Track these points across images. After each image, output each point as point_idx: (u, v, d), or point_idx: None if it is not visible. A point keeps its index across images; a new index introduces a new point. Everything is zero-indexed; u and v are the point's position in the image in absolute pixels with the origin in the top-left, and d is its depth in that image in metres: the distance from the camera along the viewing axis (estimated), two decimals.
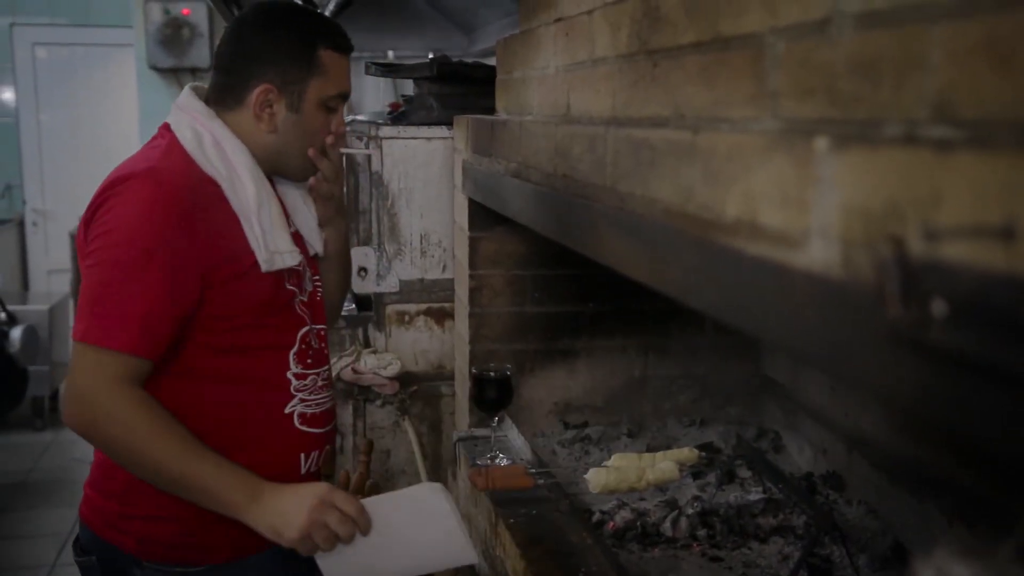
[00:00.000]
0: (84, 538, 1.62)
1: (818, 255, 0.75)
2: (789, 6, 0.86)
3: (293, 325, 1.64)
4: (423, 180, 2.74)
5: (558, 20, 1.63)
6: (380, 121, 2.89)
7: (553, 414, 2.36)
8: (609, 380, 2.38)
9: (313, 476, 1.67)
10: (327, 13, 3.09)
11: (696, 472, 1.99)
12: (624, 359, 2.38)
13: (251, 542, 1.49)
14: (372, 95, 5.48)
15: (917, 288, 0.62)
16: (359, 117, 3.51)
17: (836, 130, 0.76)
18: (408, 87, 3.29)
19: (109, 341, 1.42)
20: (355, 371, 2.70)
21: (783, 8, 0.87)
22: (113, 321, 1.43)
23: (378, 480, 2.67)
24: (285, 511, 1.44)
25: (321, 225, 1.76)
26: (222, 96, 1.62)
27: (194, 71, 5.96)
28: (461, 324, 2.46)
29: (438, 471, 2.78)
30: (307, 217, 1.74)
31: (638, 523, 1.77)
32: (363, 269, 2.77)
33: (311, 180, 1.72)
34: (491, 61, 2.39)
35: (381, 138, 2.74)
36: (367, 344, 2.85)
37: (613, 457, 1.85)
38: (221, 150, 1.56)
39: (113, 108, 6.83)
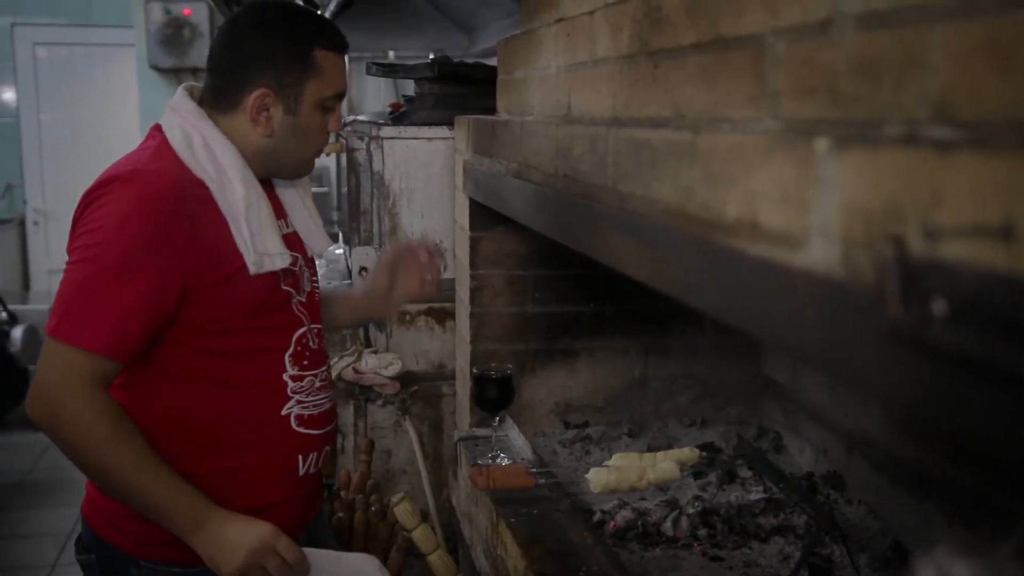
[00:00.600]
0: (85, 536, 1.63)
1: (818, 255, 0.75)
2: (790, 7, 0.86)
3: (289, 326, 1.63)
4: (424, 180, 2.74)
5: (559, 20, 1.63)
6: (381, 121, 2.89)
7: (554, 414, 2.37)
8: (610, 380, 2.38)
9: (312, 477, 1.67)
10: (327, 14, 3.09)
11: (697, 472, 1.99)
12: (625, 359, 2.38)
13: None
14: (373, 95, 5.49)
15: (917, 288, 0.62)
16: (360, 117, 3.51)
17: (837, 130, 0.76)
18: (409, 87, 3.29)
19: (80, 340, 1.42)
20: (356, 371, 2.70)
21: (784, 9, 0.87)
22: (86, 320, 1.42)
23: (379, 480, 2.68)
24: (226, 545, 1.46)
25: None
26: (216, 99, 1.59)
27: (195, 71, 5.97)
28: (462, 324, 2.46)
29: (439, 471, 2.78)
30: (306, 218, 1.73)
31: (639, 523, 1.77)
32: (364, 269, 2.77)
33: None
34: (492, 61, 2.40)
35: (382, 138, 2.74)
36: (368, 344, 2.85)
37: (614, 457, 1.85)
38: (211, 152, 1.53)
39: (114, 108, 6.83)
